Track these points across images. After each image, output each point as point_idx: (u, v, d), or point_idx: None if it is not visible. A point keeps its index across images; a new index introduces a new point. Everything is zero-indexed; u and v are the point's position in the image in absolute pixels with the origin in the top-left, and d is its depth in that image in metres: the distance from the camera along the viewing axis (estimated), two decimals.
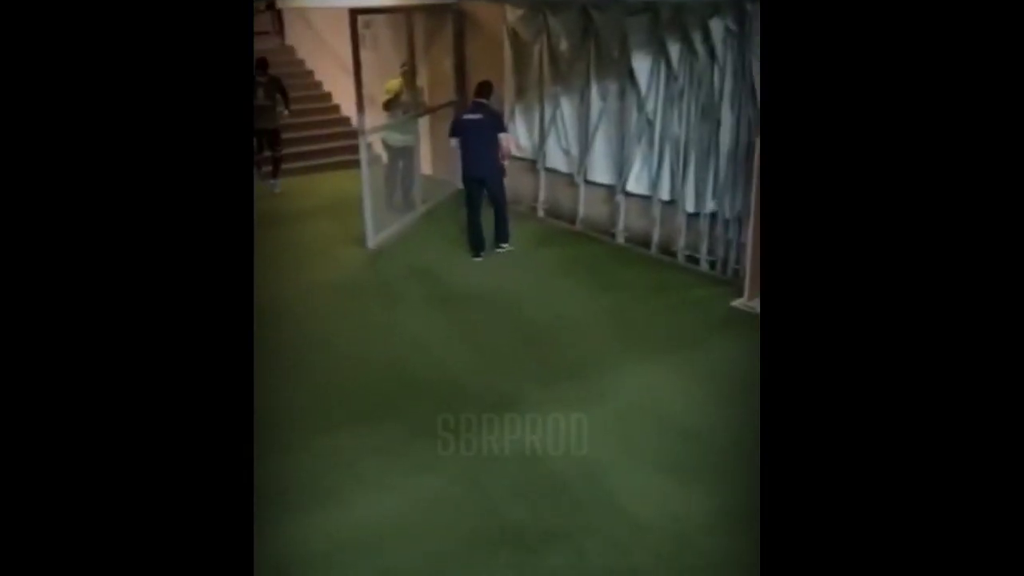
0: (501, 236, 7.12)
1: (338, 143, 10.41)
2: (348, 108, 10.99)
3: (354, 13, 6.59)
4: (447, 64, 8.64)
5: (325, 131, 10.72)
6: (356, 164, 7.29)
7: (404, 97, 7.74)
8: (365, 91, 6.89)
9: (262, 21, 12.56)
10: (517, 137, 8.10)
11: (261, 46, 12.16)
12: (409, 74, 7.77)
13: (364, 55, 9.34)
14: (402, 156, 8.06)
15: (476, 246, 6.98)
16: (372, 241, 7.27)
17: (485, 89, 7.05)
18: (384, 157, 8.14)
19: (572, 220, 7.72)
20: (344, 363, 4.96)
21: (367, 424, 4.19)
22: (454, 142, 6.97)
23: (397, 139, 7.90)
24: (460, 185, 7.37)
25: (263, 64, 8.88)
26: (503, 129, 7.05)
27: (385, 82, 7.80)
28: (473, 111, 6.92)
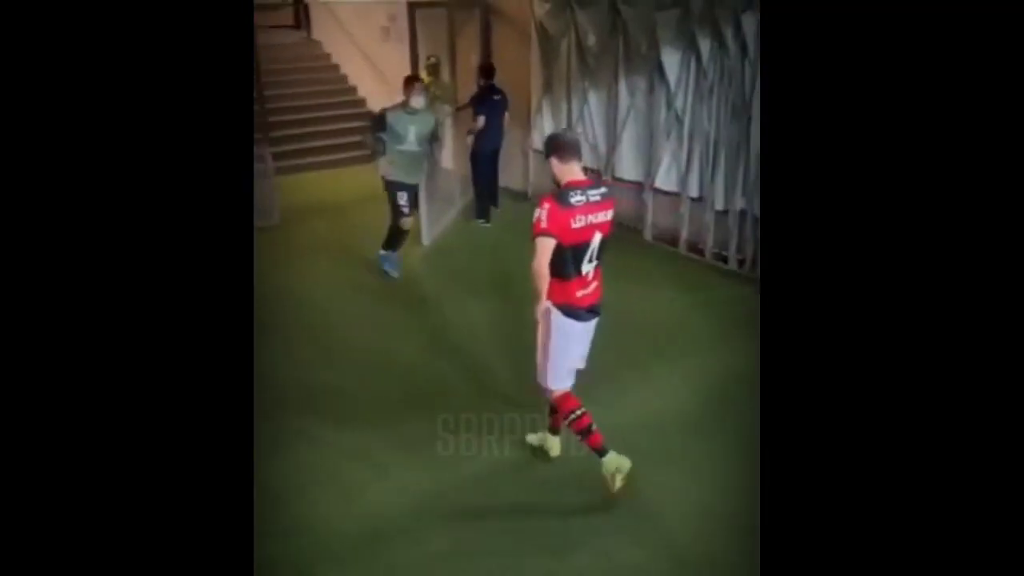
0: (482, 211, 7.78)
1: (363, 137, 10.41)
2: (375, 103, 10.99)
3: (412, 6, 6.59)
4: (473, 60, 8.59)
5: (351, 125, 10.72)
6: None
7: (432, 91, 7.70)
8: (387, 82, 6.90)
9: (288, 16, 12.60)
10: (544, 133, 8.07)
11: (287, 39, 12.25)
12: (435, 67, 7.75)
13: (389, 48, 9.28)
14: (434, 150, 7.93)
15: (485, 212, 7.77)
16: (427, 237, 7.19)
17: (493, 71, 7.47)
18: None
19: None
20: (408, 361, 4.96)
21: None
22: (482, 120, 7.32)
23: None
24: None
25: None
26: (507, 108, 7.63)
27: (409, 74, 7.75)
28: (495, 91, 7.42)
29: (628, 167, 7.23)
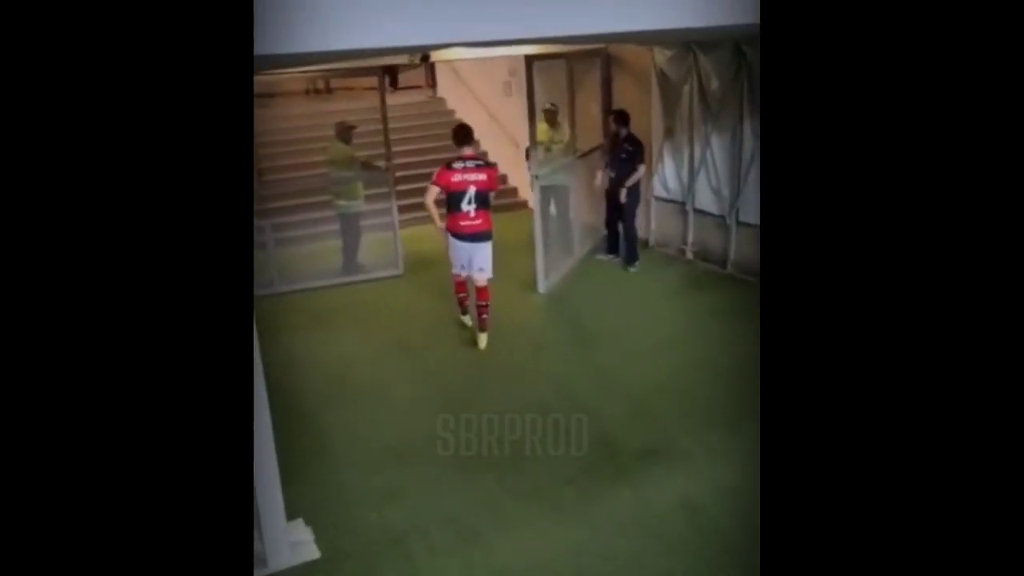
0: (632, 257, 7.65)
1: None
2: (494, 154, 11.20)
3: (529, 60, 6.67)
4: (595, 109, 8.58)
5: None
6: (502, 209, 7.23)
7: (552, 138, 7.70)
8: (509, 135, 6.93)
9: (417, 75, 13.12)
10: (665, 179, 7.93)
11: (416, 99, 12.74)
12: (552, 113, 7.73)
13: (512, 102, 9.39)
14: (555, 198, 7.81)
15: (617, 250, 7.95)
16: (543, 285, 7.13)
17: (627, 119, 7.46)
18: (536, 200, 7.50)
19: (723, 263, 7.40)
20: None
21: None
22: (600, 176, 7.57)
23: (552, 179, 7.58)
24: (605, 231, 7.93)
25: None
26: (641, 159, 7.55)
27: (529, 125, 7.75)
28: (631, 142, 7.45)
29: (753, 211, 6.95)
